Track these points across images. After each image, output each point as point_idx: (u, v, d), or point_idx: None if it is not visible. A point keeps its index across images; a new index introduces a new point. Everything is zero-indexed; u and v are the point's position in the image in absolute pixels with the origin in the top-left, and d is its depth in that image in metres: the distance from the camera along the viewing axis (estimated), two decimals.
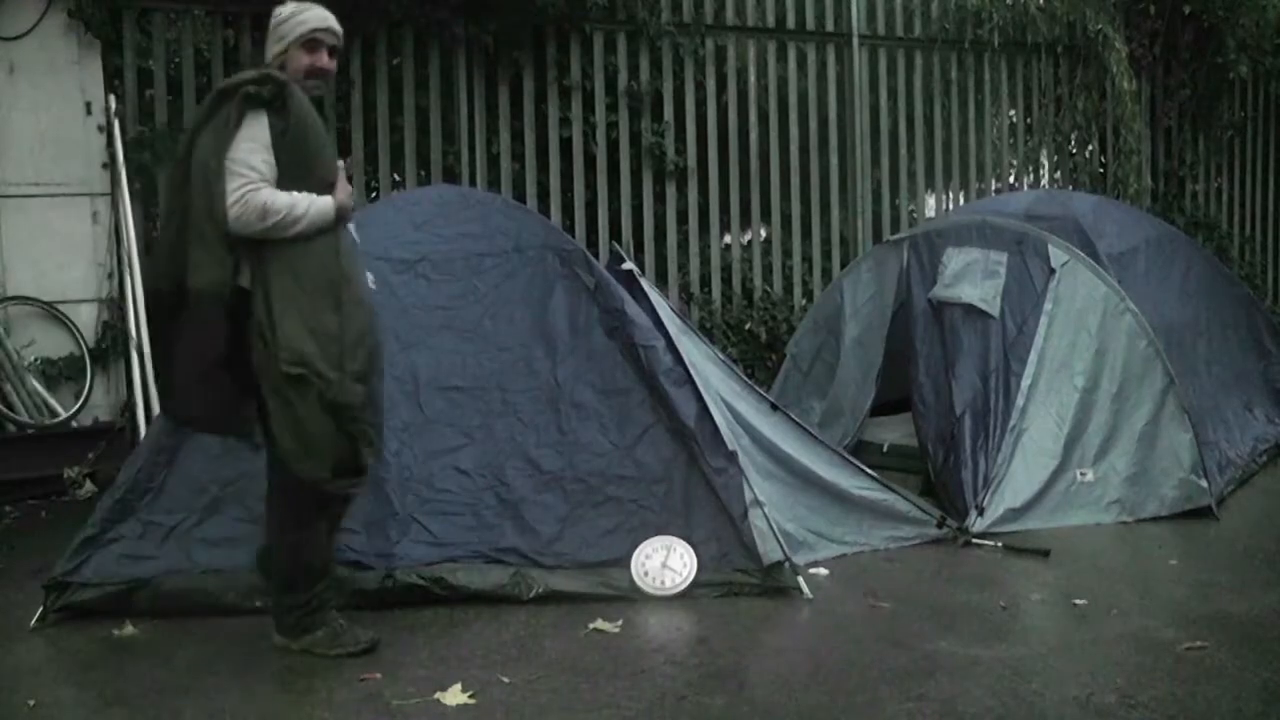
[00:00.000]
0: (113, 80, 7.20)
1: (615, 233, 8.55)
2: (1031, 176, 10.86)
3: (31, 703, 3.61)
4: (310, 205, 3.68)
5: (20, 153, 6.95)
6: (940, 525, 5.28)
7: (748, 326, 9.01)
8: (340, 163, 3.94)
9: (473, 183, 8.08)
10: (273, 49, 3.89)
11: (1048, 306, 5.97)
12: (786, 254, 9.37)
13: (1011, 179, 10.73)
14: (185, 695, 3.64)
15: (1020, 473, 5.62)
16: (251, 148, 3.65)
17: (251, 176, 3.62)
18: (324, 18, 3.91)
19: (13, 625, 4.31)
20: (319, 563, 3.95)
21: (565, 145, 8.47)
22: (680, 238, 8.93)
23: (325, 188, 3.76)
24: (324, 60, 3.90)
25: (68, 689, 3.78)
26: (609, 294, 4.90)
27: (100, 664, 3.95)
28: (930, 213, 10.26)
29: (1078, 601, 4.44)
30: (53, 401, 6.80)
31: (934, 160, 10.13)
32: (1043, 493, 5.61)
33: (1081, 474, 5.71)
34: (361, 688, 3.66)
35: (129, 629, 4.23)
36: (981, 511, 5.42)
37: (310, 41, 3.86)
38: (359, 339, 3.72)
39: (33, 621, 4.29)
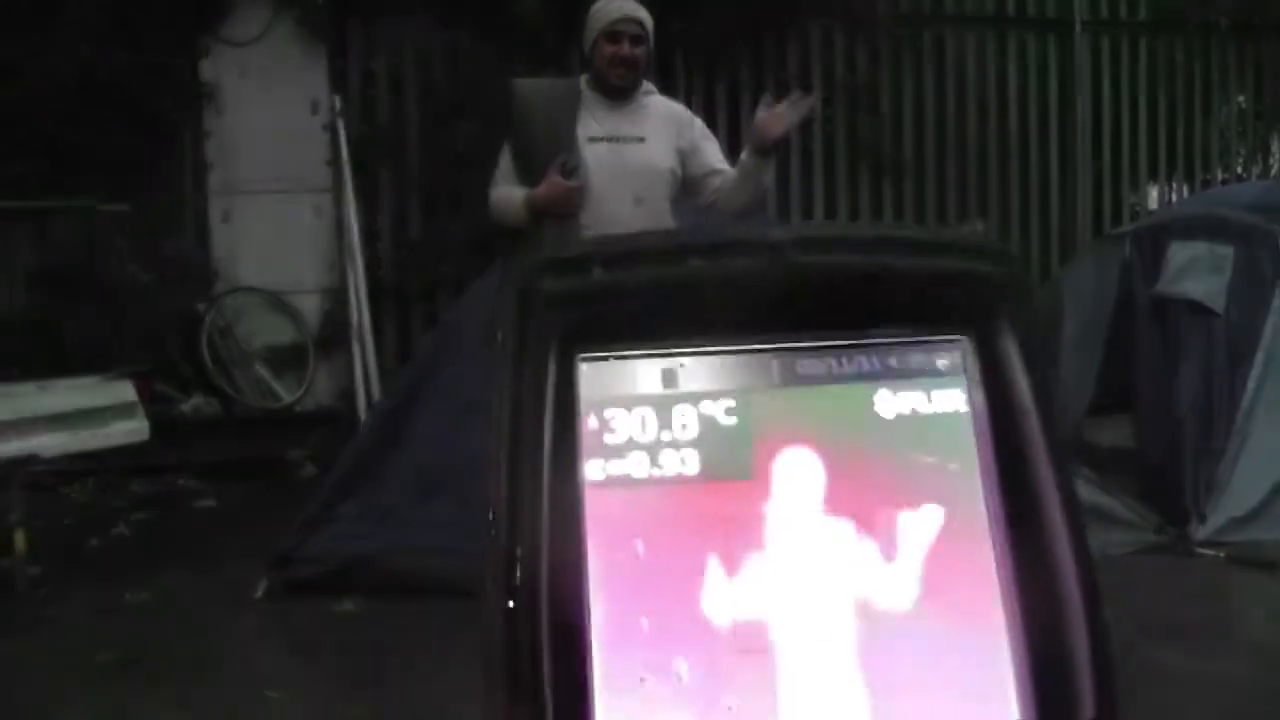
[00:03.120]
0: (337, 81, 7.52)
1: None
2: (1260, 166, 10.30)
3: (255, 672, 3.81)
4: (499, 198, 3.95)
5: (250, 151, 7.32)
6: (1159, 532, 5.07)
7: None
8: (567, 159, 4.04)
9: None
10: (586, 40, 4.09)
11: (1276, 303, 5.66)
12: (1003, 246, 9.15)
13: (1239, 169, 10.20)
14: (403, 671, 3.78)
15: (1246, 479, 5.34)
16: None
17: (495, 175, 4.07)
18: (625, 8, 4.05)
19: (239, 599, 4.55)
20: None
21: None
22: None
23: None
24: (625, 50, 4.03)
25: (291, 660, 3.97)
26: None
27: (321, 638, 4.14)
28: (1153, 205, 9.84)
29: None
30: (277, 387, 7.14)
31: (1158, 150, 9.71)
32: (1270, 501, 5.31)
33: None
34: None
35: (348, 605, 4.41)
36: (1204, 519, 5.17)
37: (612, 33, 4.00)
38: None
39: (257, 595, 4.51)
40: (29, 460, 4.86)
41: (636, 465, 0.52)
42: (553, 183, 3.93)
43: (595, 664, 0.49)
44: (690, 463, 0.52)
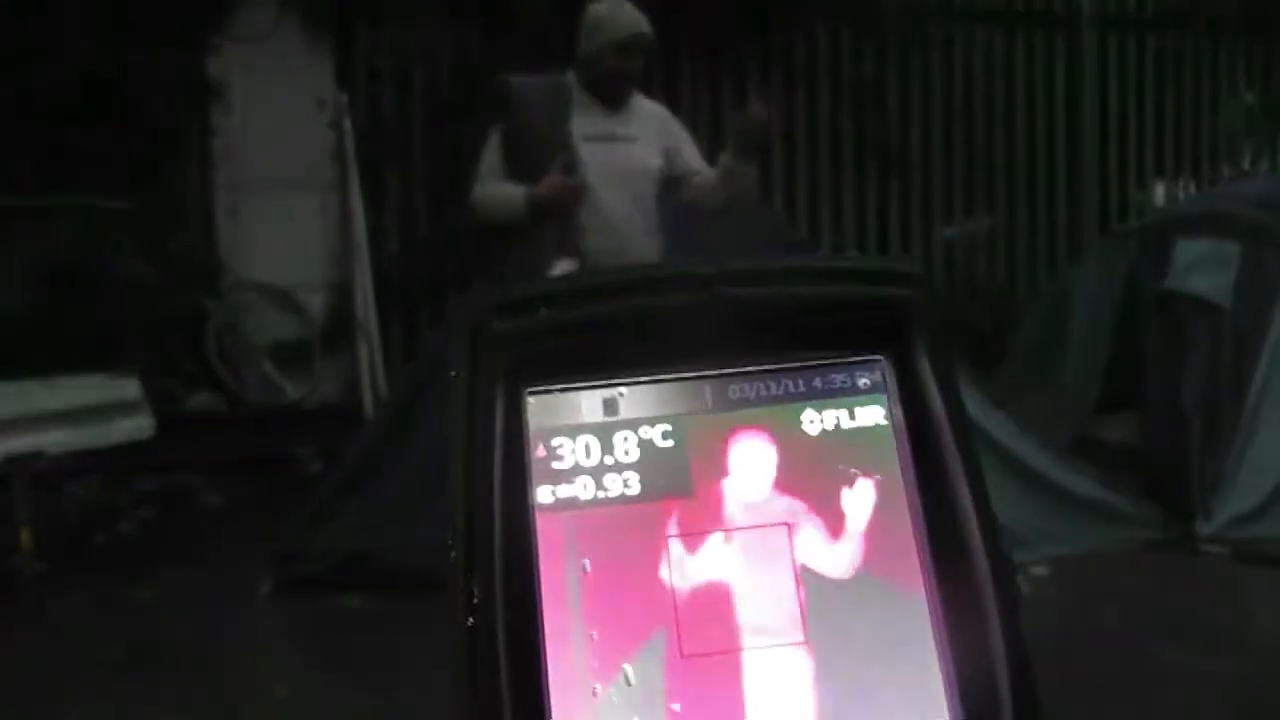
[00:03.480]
0: (343, 79, 7.53)
1: (837, 222, 8.49)
2: (1268, 162, 10.28)
3: (261, 669, 3.81)
4: (492, 195, 3.92)
5: (256, 148, 7.33)
6: (1164, 528, 5.07)
7: (971, 318, 8.83)
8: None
9: None
10: (585, 44, 4.05)
11: None
12: (1011, 245, 9.13)
13: (1247, 165, 10.18)
14: (407, 668, 3.79)
15: (1251, 476, 5.32)
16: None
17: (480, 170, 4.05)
18: (637, 23, 4.04)
19: (244, 595, 4.56)
20: None
21: (788, 135, 8.45)
22: (902, 227, 8.81)
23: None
24: (633, 64, 4.04)
25: (296, 657, 3.98)
26: None
27: (325, 633, 4.15)
28: (1160, 202, 9.83)
29: None
30: (283, 383, 7.15)
31: (1164, 147, 9.69)
32: (1276, 498, 5.30)
33: None
34: None
35: (353, 602, 4.42)
36: (1208, 516, 5.16)
37: (621, 48, 4.00)
38: None
39: (263, 591, 4.53)
40: (34, 457, 4.87)
41: (583, 488, 0.57)
42: (555, 181, 3.94)
43: (550, 675, 0.54)
44: (632, 484, 0.57)
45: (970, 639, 0.57)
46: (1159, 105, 9.64)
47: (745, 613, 0.56)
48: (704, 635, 0.56)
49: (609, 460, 0.57)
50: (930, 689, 0.57)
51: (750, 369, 0.59)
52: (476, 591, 0.55)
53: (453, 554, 0.57)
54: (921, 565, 0.58)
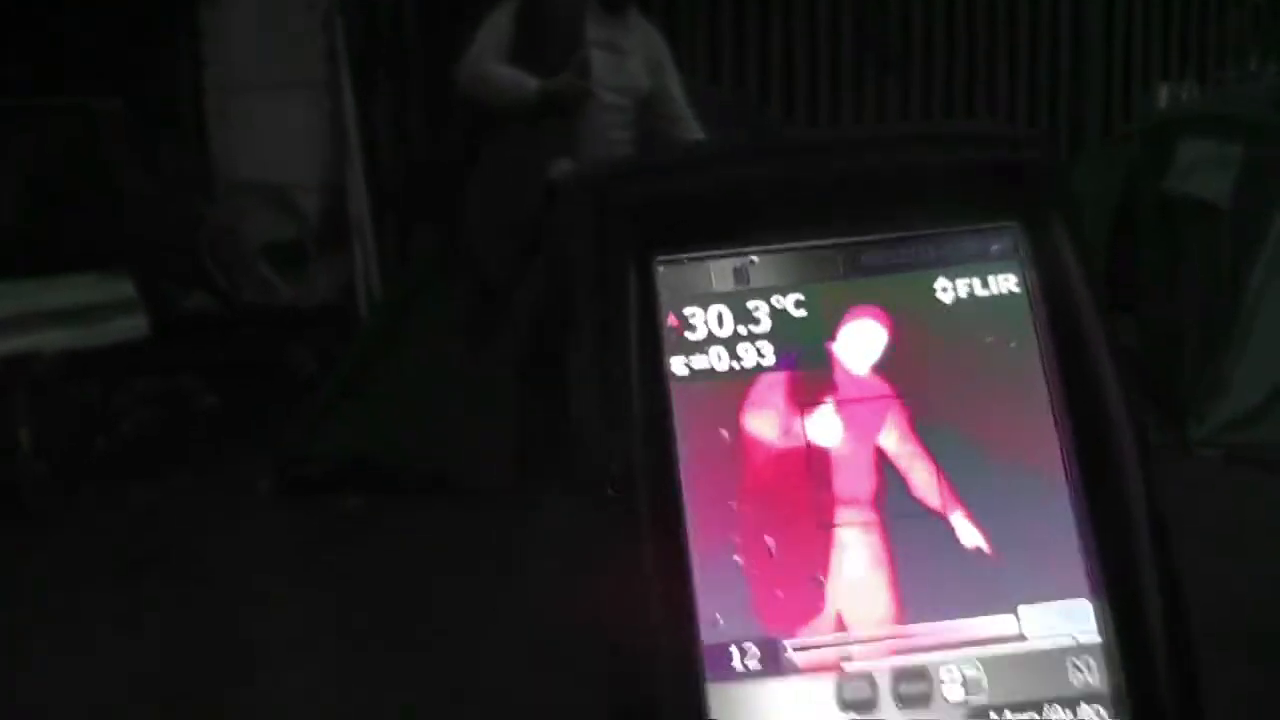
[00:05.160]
0: None
1: (835, 122, 8.41)
2: (1275, 65, 10.15)
3: (260, 571, 3.85)
4: (499, 76, 3.82)
5: (246, 45, 7.21)
6: (1158, 432, 5.09)
7: None
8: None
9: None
10: None
11: None
12: None
13: (1253, 66, 10.06)
14: (402, 572, 3.82)
15: (1245, 381, 5.34)
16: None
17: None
18: None
19: (243, 497, 4.59)
20: None
21: (787, 29, 8.32)
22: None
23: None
24: None
25: (295, 558, 4.02)
26: None
27: (324, 537, 4.18)
28: (1164, 104, 9.72)
29: None
30: (279, 284, 7.11)
31: (1169, 48, 9.57)
32: (1271, 402, 5.32)
33: None
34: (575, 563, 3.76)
35: (351, 502, 4.45)
36: (1201, 420, 5.19)
37: None
38: None
39: (261, 492, 4.55)
40: (32, 358, 4.87)
41: (717, 359, 0.58)
42: (571, 80, 3.86)
43: (691, 544, 0.55)
44: (766, 354, 0.58)
45: (1111, 515, 0.57)
46: (1165, 6, 9.49)
47: (882, 484, 0.56)
48: (843, 506, 0.56)
49: (742, 330, 0.57)
50: (1069, 566, 0.57)
51: (881, 237, 0.59)
52: (616, 464, 0.55)
53: (582, 429, 0.57)
54: (1060, 438, 0.58)
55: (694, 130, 4.19)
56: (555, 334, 4.03)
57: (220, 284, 6.98)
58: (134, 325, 5.39)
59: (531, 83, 3.85)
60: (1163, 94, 9.83)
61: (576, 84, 3.85)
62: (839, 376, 0.57)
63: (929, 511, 0.57)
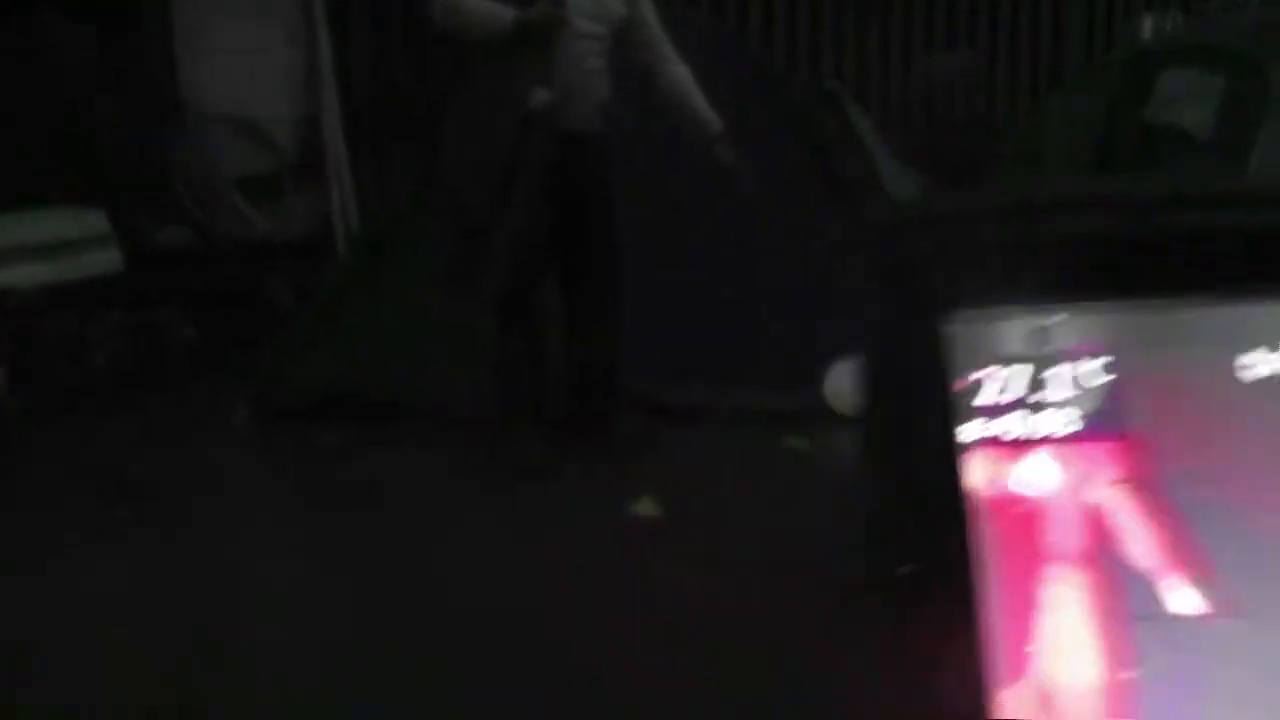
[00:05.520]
0: None
1: (814, 59, 8.33)
2: None
3: (239, 501, 3.85)
4: (476, 5, 3.77)
5: None
6: None
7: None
8: None
9: None
10: None
11: (1263, 135, 5.58)
12: (991, 80, 8.98)
13: None
14: (384, 502, 3.82)
15: None
16: None
17: None
18: None
19: (221, 426, 4.57)
20: None
21: None
22: (883, 62, 8.64)
23: None
24: None
25: (274, 487, 4.02)
26: None
27: (300, 466, 4.18)
28: (1148, 35, 9.66)
29: None
30: (253, 216, 7.03)
31: None
32: None
33: None
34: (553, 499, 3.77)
35: (329, 433, 4.43)
36: None
37: None
38: None
39: (239, 418, 4.53)
40: (6, 293, 4.83)
41: (1014, 424, 0.54)
42: (546, 9, 3.80)
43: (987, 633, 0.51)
44: (1067, 421, 0.53)
45: None
46: None
47: (1185, 565, 0.49)
48: (1150, 587, 0.49)
49: (1040, 395, 0.51)
50: None
51: (1191, 299, 0.52)
52: (911, 542, 0.51)
53: (872, 497, 0.53)
54: None
55: (670, 59, 4.13)
56: (532, 269, 4.01)
57: (195, 217, 6.91)
58: (109, 259, 5.34)
59: (507, 13, 3.79)
60: (1146, 25, 9.76)
61: (551, 12, 3.80)
62: (1147, 451, 0.52)
63: (1229, 606, 0.51)
